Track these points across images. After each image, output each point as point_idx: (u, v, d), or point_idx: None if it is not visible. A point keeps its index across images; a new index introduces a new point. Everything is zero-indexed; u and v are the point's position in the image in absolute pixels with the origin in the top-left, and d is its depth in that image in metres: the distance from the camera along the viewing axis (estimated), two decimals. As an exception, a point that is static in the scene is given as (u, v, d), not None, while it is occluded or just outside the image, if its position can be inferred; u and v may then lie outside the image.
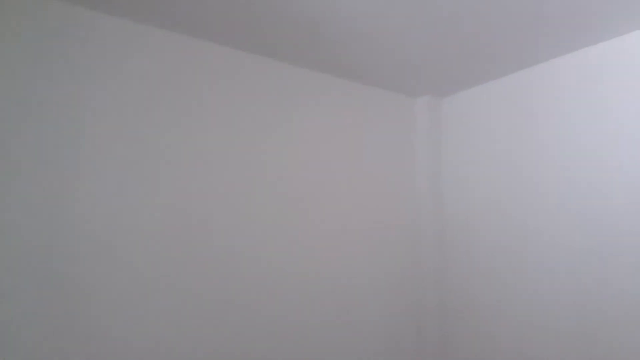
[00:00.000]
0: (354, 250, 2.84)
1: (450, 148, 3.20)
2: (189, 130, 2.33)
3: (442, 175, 3.23)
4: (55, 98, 2.01)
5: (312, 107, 2.77)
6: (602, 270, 2.29)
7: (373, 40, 2.41)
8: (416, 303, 3.08)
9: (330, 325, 2.67)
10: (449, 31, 2.30)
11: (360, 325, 2.80)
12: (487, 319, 2.84)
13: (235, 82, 2.49)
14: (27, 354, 1.84)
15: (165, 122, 2.27)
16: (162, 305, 2.18)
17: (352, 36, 2.36)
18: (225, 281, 2.34)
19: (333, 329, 2.68)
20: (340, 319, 2.72)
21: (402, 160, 3.15)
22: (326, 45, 2.46)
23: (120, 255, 2.09)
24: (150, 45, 2.26)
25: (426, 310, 3.05)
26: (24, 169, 1.91)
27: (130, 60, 2.20)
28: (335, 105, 2.88)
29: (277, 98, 2.63)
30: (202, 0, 2.03)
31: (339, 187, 2.81)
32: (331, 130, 2.83)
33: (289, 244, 2.57)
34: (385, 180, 3.04)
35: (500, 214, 2.83)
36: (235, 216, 2.40)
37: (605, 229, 2.31)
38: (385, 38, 2.38)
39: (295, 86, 2.72)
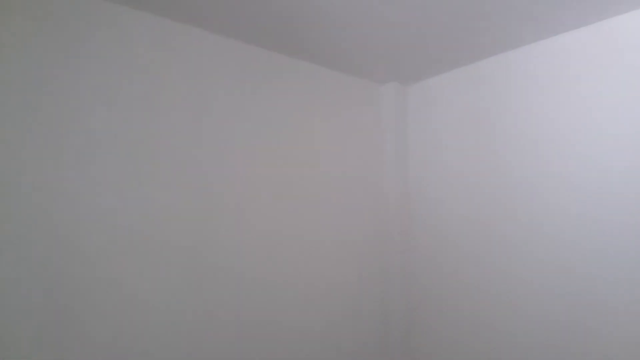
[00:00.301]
0: (320, 233, 2.79)
1: (416, 135, 3.21)
2: (155, 115, 2.22)
3: (409, 161, 3.23)
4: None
5: (277, 90, 2.70)
6: (573, 251, 2.34)
7: (340, 25, 2.38)
8: (382, 282, 3.09)
9: (296, 307, 2.64)
10: (415, 17, 2.29)
11: (326, 305, 2.79)
12: (453, 304, 2.89)
13: (200, 63, 2.39)
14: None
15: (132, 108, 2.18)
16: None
17: (319, 21, 2.33)
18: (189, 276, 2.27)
19: (299, 311, 2.65)
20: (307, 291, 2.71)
21: (369, 146, 3.14)
22: (295, 29, 2.42)
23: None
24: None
25: (392, 297, 3.08)
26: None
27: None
28: (302, 89, 2.82)
29: (241, 81, 2.54)
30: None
31: (304, 173, 2.76)
32: (296, 114, 2.77)
33: (251, 231, 2.50)
34: (352, 165, 3.02)
35: (466, 200, 2.85)
36: (194, 206, 2.30)
37: (572, 211, 2.36)
38: (353, 23, 2.36)
39: (260, 69, 2.63)
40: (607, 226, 2.22)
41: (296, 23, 2.36)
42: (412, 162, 3.23)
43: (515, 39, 2.58)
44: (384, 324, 3.07)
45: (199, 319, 2.26)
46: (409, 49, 2.69)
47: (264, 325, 2.49)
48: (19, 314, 1.79)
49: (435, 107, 3.11)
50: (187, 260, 2.26)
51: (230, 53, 2.52)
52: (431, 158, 3.10)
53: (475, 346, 2.73)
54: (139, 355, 2.07)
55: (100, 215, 2.02)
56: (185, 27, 2.37)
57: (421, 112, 3.20)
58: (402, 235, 3.15)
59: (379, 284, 3.08)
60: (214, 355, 2.28)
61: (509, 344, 2.57)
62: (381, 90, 3.28)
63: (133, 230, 2.10)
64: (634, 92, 2.19)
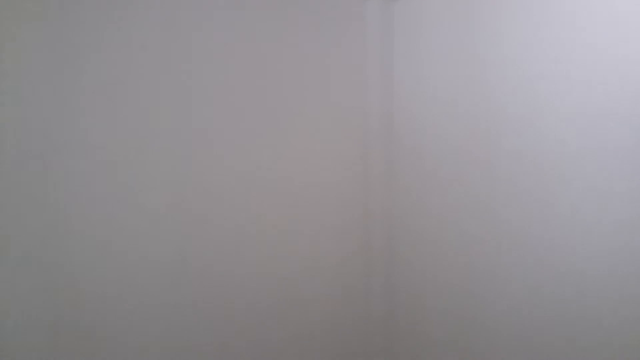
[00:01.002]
0: (296, 156, 2.58)
1: (403, 59, 2.90)
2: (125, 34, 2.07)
3: (394, 88, 2.93)
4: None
5: (252, 5, 2.42)
6: (570, 187, 2.17)
7: None
8: (364, 215, 2.92)
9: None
10: None
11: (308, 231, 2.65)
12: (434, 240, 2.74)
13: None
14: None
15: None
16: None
17: None
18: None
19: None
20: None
21: (351, 69, 2.83)
22: None
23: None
24: None
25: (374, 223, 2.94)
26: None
27: None
28: (278, 3, 2.52)
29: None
30: None
31: (280, 96, 2.51)
32: (271, 32, 2.49)
33: (228, 153, 2.35)
34: (331, 92, 2.72)
35: (454, 131, 2.60)
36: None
37: (568, 143, 2.16)
38: None
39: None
40: (609, 158, 2.03)
41: None
42: (398, 89, 2.92)
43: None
44: (366, 261, 2.92)
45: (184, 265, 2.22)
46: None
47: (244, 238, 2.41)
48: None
49: (424, 27, 2.77)
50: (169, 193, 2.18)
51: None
52: (418, 85, 2.80)
53: (459, 281, 2.62)
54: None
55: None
56: None
57: (409, 32, 2.87)
58: (385, 165, 2.92)
59: (361, 217, 2.90)
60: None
61: (495, 278, 2.47)
62: (365, 7, 2.94)
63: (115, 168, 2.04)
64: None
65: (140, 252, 2.10)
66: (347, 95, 2.83)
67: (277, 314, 2.52)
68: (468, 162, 2.61)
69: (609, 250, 2.09)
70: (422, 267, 2.84)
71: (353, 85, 2.88)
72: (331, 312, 2.73)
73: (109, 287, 2.01)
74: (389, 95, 2.98)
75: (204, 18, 2.30)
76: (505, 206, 2.46)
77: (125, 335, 2.04)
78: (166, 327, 2.16)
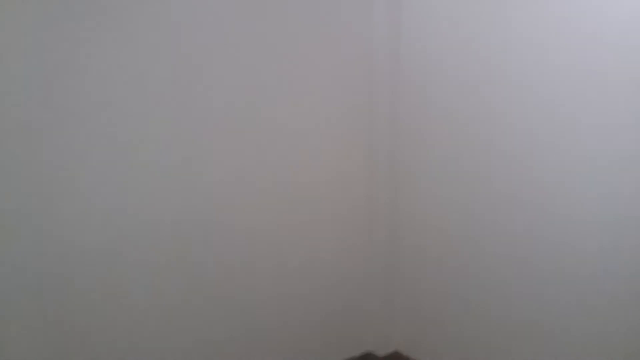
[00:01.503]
0: (301, 120, 2.51)
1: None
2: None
3: (402, 29, 2.75)
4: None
5: None
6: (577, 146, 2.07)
7: None
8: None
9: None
10: None
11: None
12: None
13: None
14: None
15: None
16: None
17: None
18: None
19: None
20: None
21: (358, 30, 2.68)
22: None
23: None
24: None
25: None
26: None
27: None
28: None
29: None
30: None
31: (280, 51, 2.41)
32: None
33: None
34: (335, 46, 2.59)
35: (461, 75, 2.49)
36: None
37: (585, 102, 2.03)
38: None
39: None
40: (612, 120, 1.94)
41: None
42: (405, 30, 2.73)
43: None
44: (369, 213, 2.86)
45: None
46: None
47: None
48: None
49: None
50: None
51: None
52: (427, 25, 2.63)
53: (461, 231, 2.58)
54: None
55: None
56: None
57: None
58: (387, 121, 2.82)
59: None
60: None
61: (495, 228, 2.43)
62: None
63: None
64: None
65: (144, 212, 2.06)
66: (352, 43, 2.68)
67: (278, 266, 2.48)
68: (474, 107, 2.48)
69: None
70: (425, 219, 2.74)
71: (359, 30, 2.68)
72: (333, 264, 2.70)
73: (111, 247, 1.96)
74: (396, 39, 2.78)
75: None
76: (512, 142, 2.33)
77: (128, 293, 2.00)
78: (168, 286, 2.12)
